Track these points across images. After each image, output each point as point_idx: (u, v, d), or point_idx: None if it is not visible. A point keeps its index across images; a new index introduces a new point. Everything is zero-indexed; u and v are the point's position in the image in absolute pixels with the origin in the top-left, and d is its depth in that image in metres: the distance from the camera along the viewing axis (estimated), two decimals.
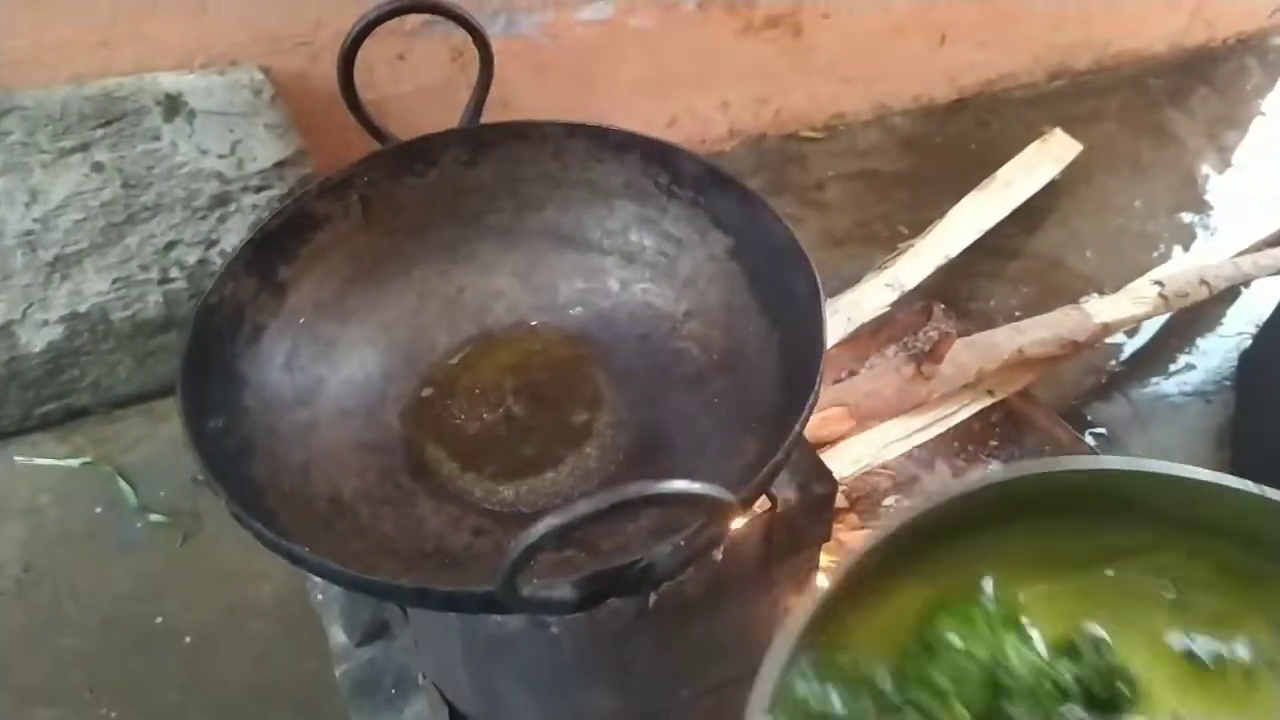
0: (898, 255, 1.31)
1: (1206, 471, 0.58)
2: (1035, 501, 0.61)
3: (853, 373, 1.19)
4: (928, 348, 1.05)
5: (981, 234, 1.41)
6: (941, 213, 1.42)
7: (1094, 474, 0.61)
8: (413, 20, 1.25)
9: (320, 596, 1.02)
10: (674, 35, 1.47)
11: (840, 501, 1.04)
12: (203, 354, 0.68)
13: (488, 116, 0.84)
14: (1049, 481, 0.60)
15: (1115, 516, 0.61)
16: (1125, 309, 1.18)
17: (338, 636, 1.00)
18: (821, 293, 0.69)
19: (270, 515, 0.63)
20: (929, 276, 1.33)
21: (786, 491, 0.75)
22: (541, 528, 0.46)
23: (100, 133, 1.14)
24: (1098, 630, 0.59)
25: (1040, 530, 0.61)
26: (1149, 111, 1.82)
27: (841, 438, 1.04)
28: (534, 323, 0.85)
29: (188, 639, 1.09)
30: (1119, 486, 0.60)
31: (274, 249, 0.75)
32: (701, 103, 1.60)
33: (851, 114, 1.74)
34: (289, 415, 0.73)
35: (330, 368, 0.78)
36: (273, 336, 0.75)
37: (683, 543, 0.55)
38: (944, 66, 1.73)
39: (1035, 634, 0.59)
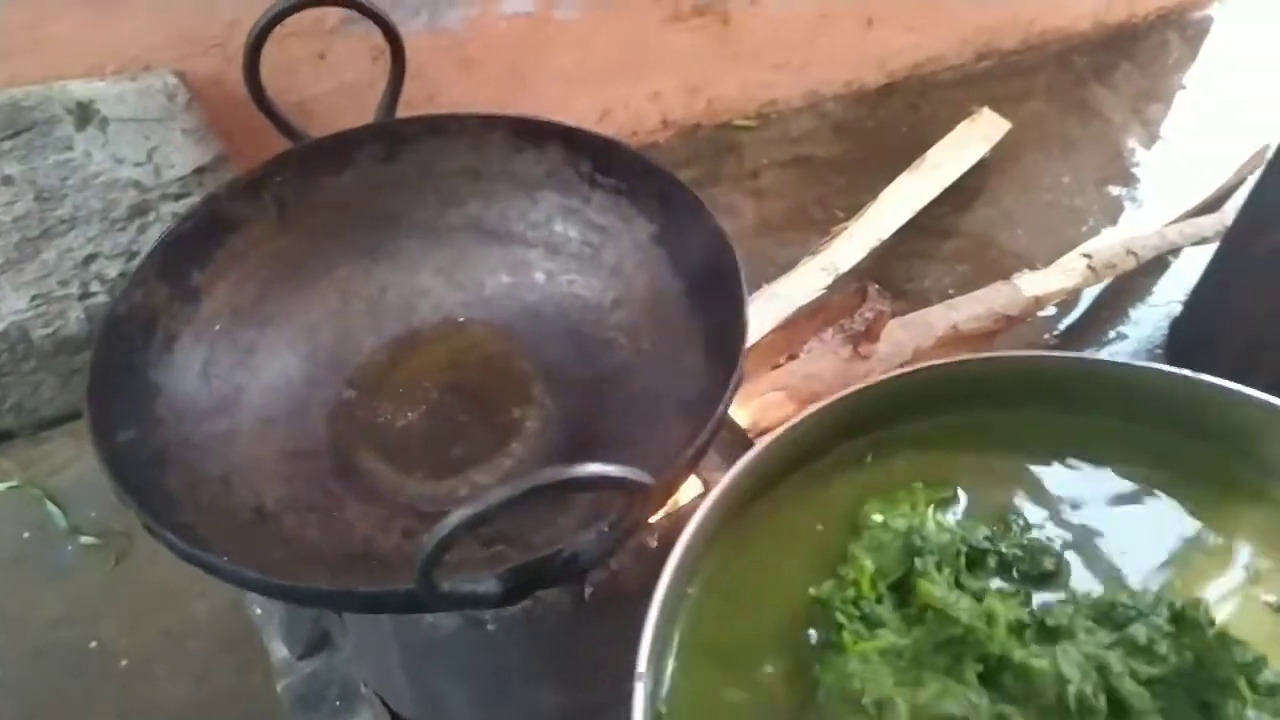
0: (832, 239, 1.32)
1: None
2: (971, 396, 0.67)
3: (792, 357, 1.19)
4: (863, 328, 1.05)
5: (914, 215, 1.42)
6: (875, 196, 1.43)
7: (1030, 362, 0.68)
8: (332, 19, 1.23)
9: (259, 611, 1.00)
10: (601, 26, 1.46)
11: None
12: (111, 364, 0.66)
13: (415, 112, 0.82)
14: (980, 372, 0.67)
15: (1054, 410, 0.67)
16: (1055, 282, 1.20)
17: (279, 650, 0.98)
18: (743, 276, 0.69)
19: (187, 527, 0.61)
20: (864, 259, 1.34)
21: (718, 475, 0.75)
22: (454, 519, 0.45)
23: (9, 144, 1.10)
24: (1025, 511, 0.63)
25: (974, 425, 0.67)
26: (1075, 88, 1.84)
27: (782, 422, 1.04)
28: (461, 319, 0.84)
29: (124, 662, 1.06)
30: (1055, 377, 0.66)
31: (185, 254, 0.74)
32: (633, 94, 1.59)
33: (784, 101, 1.74)
34: (206, 425, 0.71)
35: (250, 374, 0.76)
36: (187, 344, 0.73)
37: (606, 529, 0.54)
38: (873, 51, 1.74)
39: (959, 511, 0.64)
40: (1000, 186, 1.64)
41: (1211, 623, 0.53)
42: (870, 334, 1.03)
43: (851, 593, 0.59)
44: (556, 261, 0.84)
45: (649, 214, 0.80)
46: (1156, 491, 0.64)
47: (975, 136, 1.57)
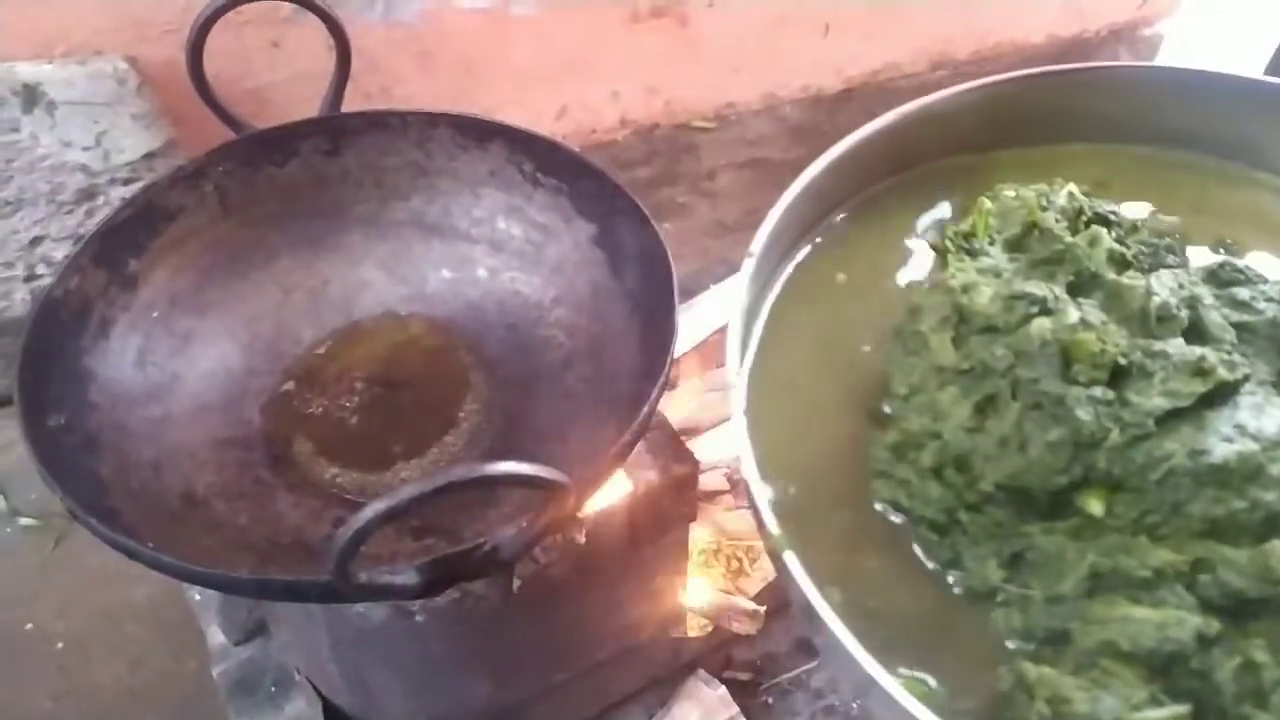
0: None
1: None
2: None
3: None
4: None
5: None
6: None
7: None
8: (286, 8, 1.22)
9: (198, 597, 1.00)
10: (560, 24, 1.47)
11: (721, 483, 1.06)
12: (44, 349, 0.66)
13: (370, 105, 0.83)
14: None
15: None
16: None
17: (216, 636, 0.99)
18: (674, 279, 0.71)
19: (113, 512, 0.62)
20: None
21: (648, 473, 0.77)
22: (367, 513, 0.46)
23: None
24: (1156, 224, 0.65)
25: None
26: None
27: (721, 421, 1.06)
28: (402, 313, 0.85)
29: (60, 644, 1.06)
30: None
31: (123, 241, 0.74)
32: (591, 93, 1.60)
33: (742, 104, 1.76)
34: (140, 411, 0.71)
35: (187, 362, 0.77)
36: (123, 331, 0.73)
37: (525, 524, 0.55)
38: (830, 57, 1.76)
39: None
40: None
41: None
42: None
43: (965, 227, 0.61)
44: (499, 258, 0.85)
45: (589, 215, 0.81)
46: None
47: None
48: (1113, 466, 0.50)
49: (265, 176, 0.81)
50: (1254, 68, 1.08)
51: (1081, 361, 0.51)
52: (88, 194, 1.16)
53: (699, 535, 1.01)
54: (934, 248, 0.64)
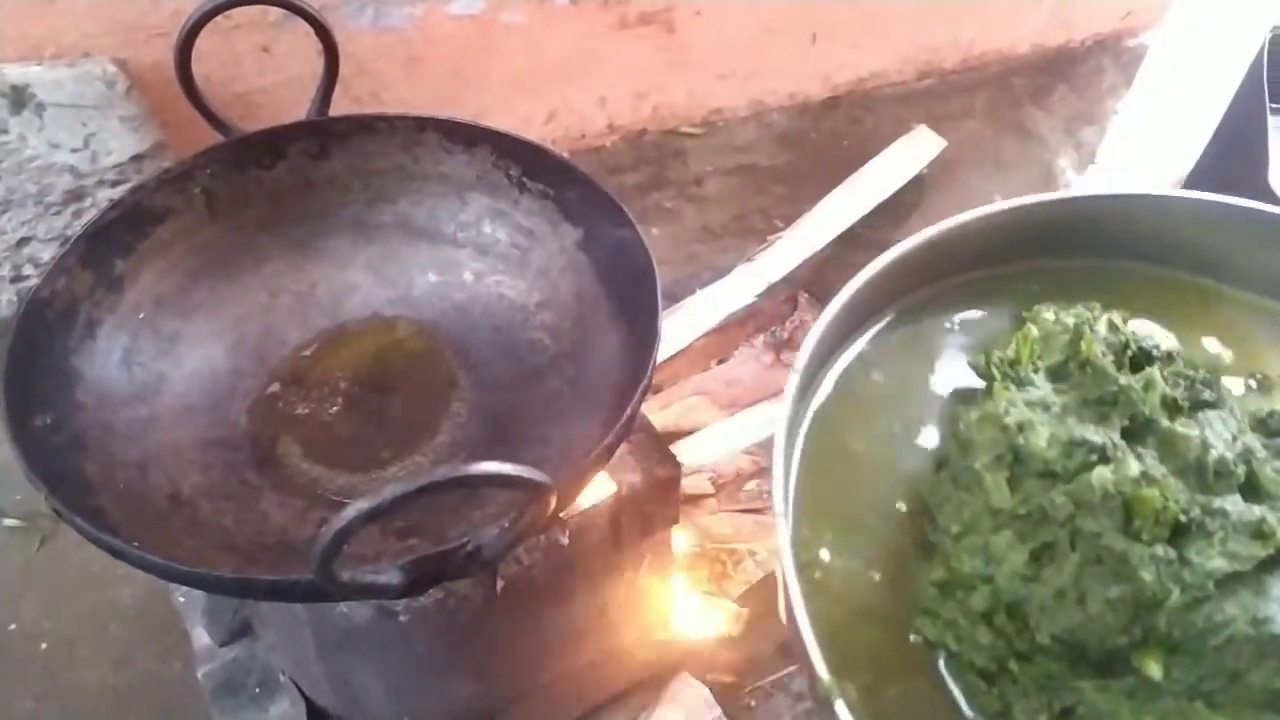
0: (766, 248, 1.35)
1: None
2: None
3: (723, 361, 1.23)
4: (787, 336, 1.09)
5: (849, 226, 1.46)
6: (815, 206, 1.46)
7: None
8: (276, 12, 1.23)
9: (183, 598, 1.01)
10: (548, 30, 1.48)
11: (705, 487, 1.07)
12: (30, 349, 0.67)
13: (359, 109, 0.84)
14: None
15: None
16: None
17: (201, 637, 0.99)
18: (658, 285, 0.71)
19: (99, 512, 0.62)
20: (801, 268, 1.37)
21: (631, 476, 0.77)
22: (350, 512, 0.47)
23: None
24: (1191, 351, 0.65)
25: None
26: (1012, 109, 1.90)
27: (704, 425, 1.07)
28: (388, 315, 0.85)
29: (44, 645, 1.06)
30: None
31: (110, 243, 0.74)
32: (579, 98, 1.61)
33: (729, 110, 1.77)
34: (126, 411, 0.72)
35: (173, 363, 0.77)
36: (109, 332, 0.73)
37: (506, 525, 0.56)
38: (817, 65, 1.77)
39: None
40: (936, 202, 1.68)
41: None
42: (792, 342, 1.06)
43: (1010, 354, 0.61)
44: (485, 262, 0.86)
45: (575, 220, 0.82)
46: None
47: (911, 153, 1.61)
48: (1173, 629, 0.49)
49: (252, 179, 0.82)
50: (1229, 90, 1.09)
51: (1144, 517, 0.51)
52: (75, 195, 1.17)
53: (682, 538, 1.01)
54: (976, 370, 0.64)
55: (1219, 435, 0.54)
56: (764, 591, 1.02)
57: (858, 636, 0.55)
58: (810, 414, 0.64)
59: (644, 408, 0.69)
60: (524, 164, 0.83)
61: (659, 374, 1.08)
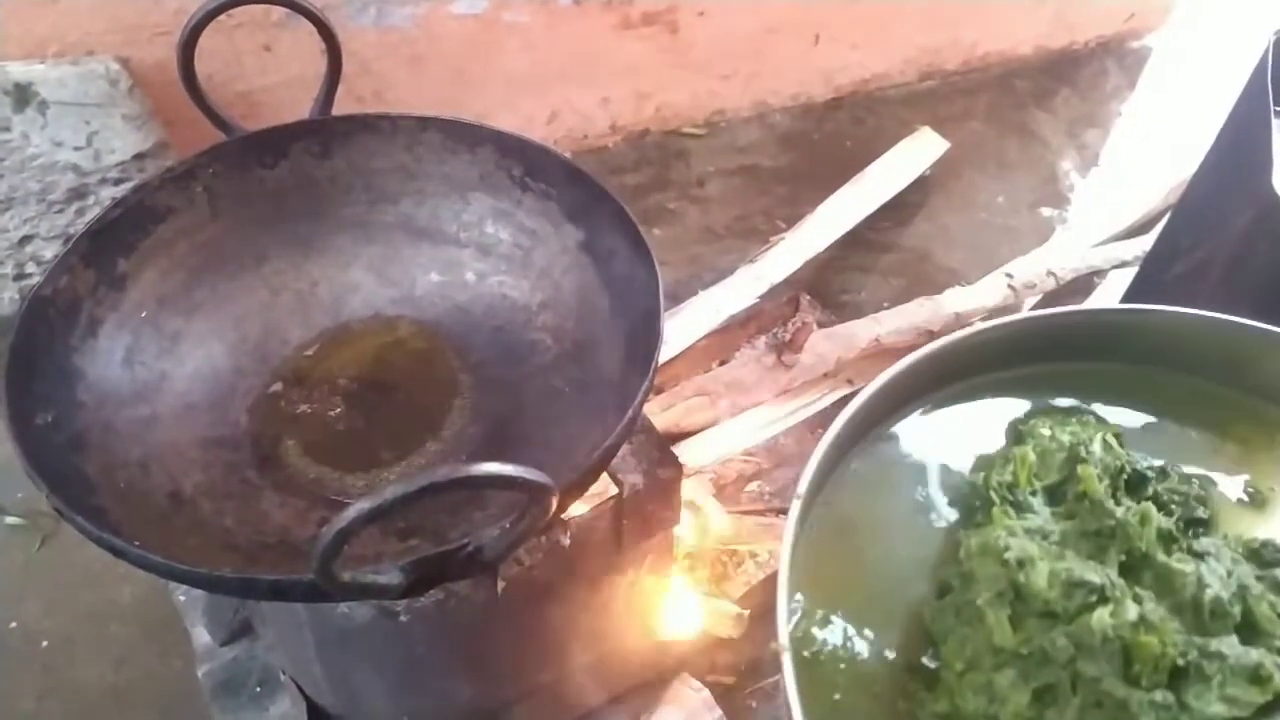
0: (768, 249, 1.35)
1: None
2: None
3: (724, 362, 1.23)
4: (789, 337, 1.09)
5: (851, 228, 1.46)
6: (817, 207, 1.46)
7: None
8: (278, 12, 1.23)
9: (183, 597, 1.01)
10: (551, 30, 1.48)
11: (705, 487, 1.06)
12: (32, 347, 0.67)
13: (362, 108, 0.84)
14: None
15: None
16: (976, 299, 1.24)
17: (201, 637, 0.99)
18: (660, 286, 0.71)
19: (100, 511, 0.62)
20: (803, 269, 1.37)
21: (633, 476, 0.77)
22: (351, 513, 0.47)
23: None
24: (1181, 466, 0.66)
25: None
26: (1015, 111, 1.90)
27: (706, 426, 1.07)
28: (390, 315, 0.85)
29: (44, 643, 1.06)
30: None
31: (112, 241, 0.74)
32: (582, 98, 1.61)
33: (732, 111, 1.77)
34: (127, 410, 0.72)
35: (175, 362, 0.77)
36: (111, 330, 0.73)
37: (508, 525, 0.56)
38: (820, 66, 1.77)
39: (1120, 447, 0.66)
40: (939, 204, 1.68)
41: None
42: (793, 344, 1.06)
43: (1008, 478, 0.62)
44: (487, 262, 0.86)
45: (577, 220, 0.82)
46: None
47: (914, 155, 1.61)
48: None
49: (255, 178, 0.82)
50: (1232, 92, 1.09)
51: (1143, 663, 0.52)
52: (78, 193, 1.17)
53: (683, 539, 1.01)
54: (975, 491, 0.65)
55: (1214, 572, 0.55)
56: (764, 592, 1.02)
57: None
58: (808, 538, 0.65)
59: (645, 408, 0.69)
60: (527, 164, 0.83)
61: (660, 375, 1.08)
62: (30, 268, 1.19)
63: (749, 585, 1.01)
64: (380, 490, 0.47)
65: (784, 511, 1.11)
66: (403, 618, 0.72)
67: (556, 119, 1.60)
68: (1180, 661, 0.52)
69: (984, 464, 0.67)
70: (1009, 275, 1.28)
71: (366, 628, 0.73)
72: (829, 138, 1.80)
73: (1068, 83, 1.97)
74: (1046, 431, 0.66)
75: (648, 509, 0.79)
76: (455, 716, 0.87)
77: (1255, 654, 0.52)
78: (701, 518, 1.02)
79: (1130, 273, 1.36)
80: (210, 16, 0.73)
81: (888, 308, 1.33)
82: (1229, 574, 0.55)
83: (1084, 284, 1.51)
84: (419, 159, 0.85)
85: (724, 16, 1.59)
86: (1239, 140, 1.07)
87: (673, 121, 1.73)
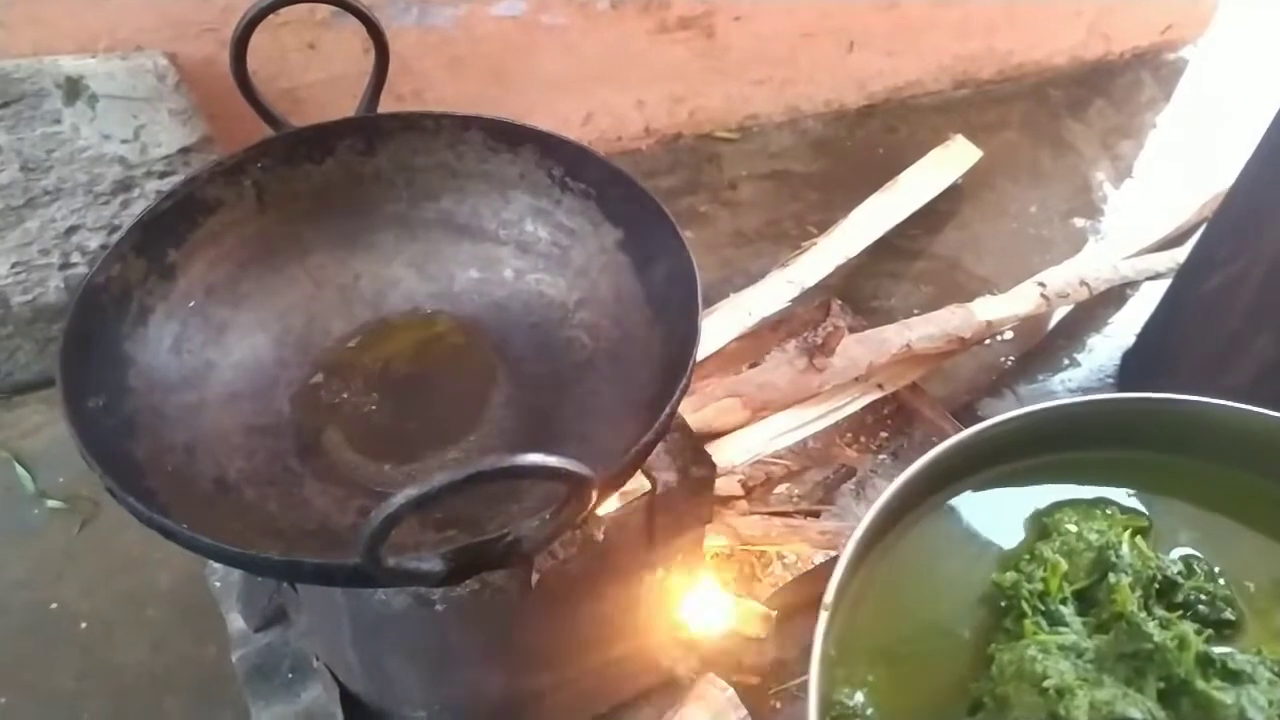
0: (800, 254, 1.35)
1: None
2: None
3: (755, 365, 1.23)
4: (820, 342, 1.09)
5: (883, 234, 1.46)
6: (849, 213, 1.47)
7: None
8: (323, 11, 1.26)
9: (219, 583, 1.03)
10: (588, 33, 1.49)
11: (734, 488, 1.07)
12: (85, 333, 0.69)
13: (402, 107, 0.85)
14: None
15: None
16: (1008, 308, 1.24)
17: (236, 622, 1.01)
18: (698, 285, 0.72)
19: (149, 493, 0.64)
20: (833, 274, 1.37)
21: (666, 474, 0.78)
22: (399, 499, 0.48)
23: None
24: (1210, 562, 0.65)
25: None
26: (1049, 121, 1.89)
27: (737, 427, 1.08)
28: (429, 310, 0.86)
29: (83, 625, 1.08)
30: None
31: (163, 232, 0.76)
32: (617, 101, 1.62)
33: (765, 116, 1.78)
34: (175, 396, 0.73)
35: (221, 351, 0.79)
36: (160, 319, 0.75)
37: (547, 517, 0.57)
38: (853, 72, 1.78)
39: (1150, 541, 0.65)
40: (971, 212, 1.68)
41: None
42: (825, 348, 1.06)
43: (1039, 586, 0.61)
44: (525, 260, 0.87)
45: (616, 220, 0.83)
46: None
47: (946, 164, 1.61)
48: None
49: (302, 174, 0.84)
50: (1271, 106, 1.09)
51: None
52: (124, 186, 1.19)
53: (713, 538, 1.02)
54: (1001, 590, 0.64)
55: (1255, 702, 0.54)
56: (793, 592, 1.02)
57: None
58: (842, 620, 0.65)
59: (679, 408, 0.70)
60: (567, 164, 0.84)
61: (696, 376, 1.08)
62: (75, 257, 1.21)
63: (776, 587, 1.02)
64: (429, 478, 0.48)
65: (813, 514, 1.12)
66: (439, 607, 0.73)
67: (591, 120, 1.62)
68: None
69: (1009, 562, 0.66)
70: (1041, 284, 1.28)
71: (402, 616, 0.74)
72: (861, 144, 1.81)
73: (1102, 93, 1.97)
74: (1073, 528, 0.65)
75: (680, 507, 0.80)
76: (484, 706, 0.88)
77: None
78: (729, 518, 1.02)
79: (1163, 285, 1.36)
80: (264, 13, 0.75)
81: (918, 314, 1.33)
82: (1270, 703, 0.54)
83: (1116, 295, 1.51)
84: (461, 157, 0.86)
85: (759, 21, 1.60)
86: (1277, 155, 1.07)
87: (706, 125, 1.74)
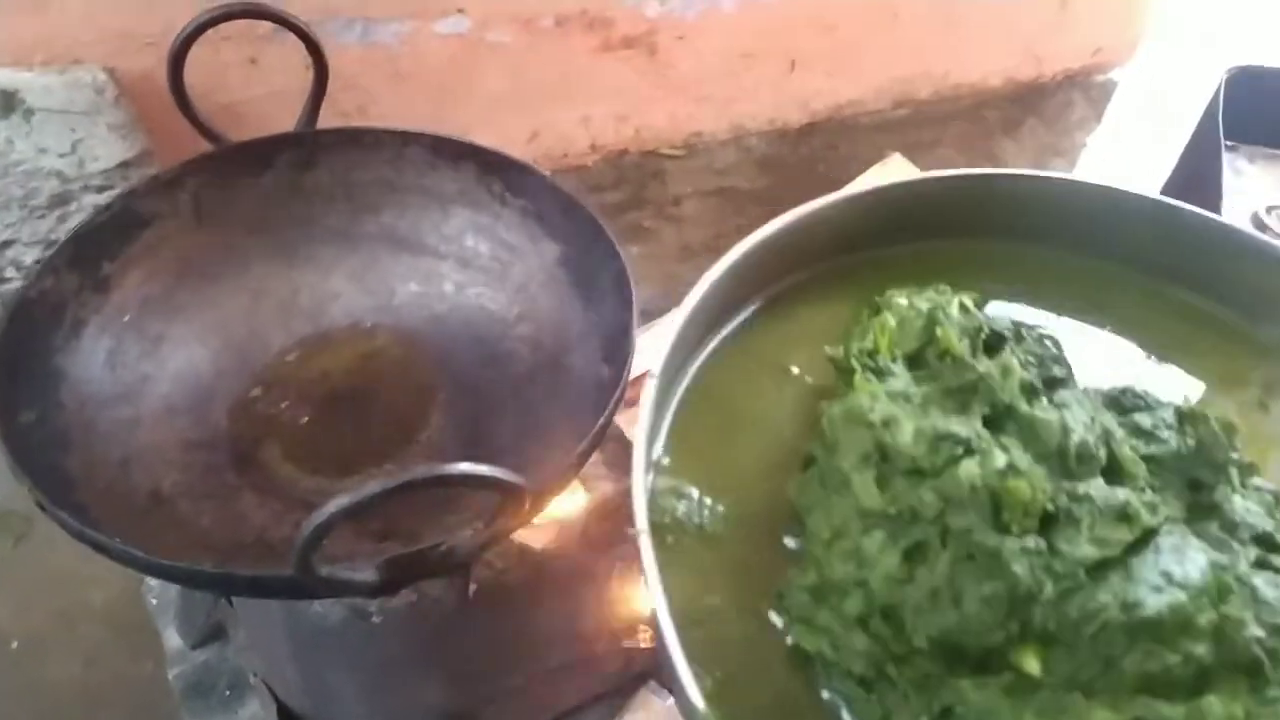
0: None
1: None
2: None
3: None
4: None
5: None
6: None
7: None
8: (264, 26, 1.25)
9: (155, 600, 1.01)
10: (533, 51, 1.50)
11: None
12: (17, 348, 0.68)
13: (346, 123, 0.86)
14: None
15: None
16: None
17: (172, 639, 1.00)
18: (634, 301, 0.74)
19: (81, 507, 0.63)
20: None
21: (603, 484, 0.79)
22: (331, 507, 0.49)
23: None
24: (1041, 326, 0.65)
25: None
26: (983, 140, 1.94)
27: None
28: (369, 324, 0.87)
29: (14, 644, 1.06)
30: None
31: (98, 245, 0.76)
32: (562, 118, 1.64)
33: (709, 133, 1.80)
34: (110, 410, 0.73)
35: (157, 364, 0.78)
36: (94, 333, 0.75)
37: (481, 526, 0.58)
38: (795, 92, 1.81)
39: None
40: None
41: (1216, 419, 0.56)
42: None
43: (869, 345, 0.61)
44: (466, 274, 0.88)
45: (555, 236, 0.84)
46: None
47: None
48: (1048, 621, 0.48)
49: (240, 187, 0.84)
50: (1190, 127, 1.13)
51: (1013, 510, 0.50)
52: (61, 200, 1.18)
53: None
54: (835, 362, 0.63)
55: (1077, 418, 0.54)
56: None
57: (732, 657, 0.53)
58: (668, 419, 0.65)
59: (617, 419, 0.71)
60: (507, 180, 0.85)
61: (632, 388, 1.10)
62: (10, 272, 1.20)
63: None
64: (360, 487, 0.49)
65: None
66: (375, 619, 0.74)
67: (537, 138, 1.63)
68: (1050, 507, 0.50)
69: (842, 337, 0.65)
70: None
71: (339, 628, 0.75)
72: (804, 161, 1.84)
73: (1035, 113, 2.02)
74: (904, 301, 0.64)
75: (617, 516, 0.81)
76: (427, 718, 0.88)
77: (1121, 494, 0.51)
78: None
79: None
80: (202, 29, 0.75)
81: None
82: (1092, 420, 0.55)
83: None
84: (401, 172, 0.87)
85: (701, 41, 1.62)
86: (1193, 173, 1.11)
87: (651, 142, 1.76)
